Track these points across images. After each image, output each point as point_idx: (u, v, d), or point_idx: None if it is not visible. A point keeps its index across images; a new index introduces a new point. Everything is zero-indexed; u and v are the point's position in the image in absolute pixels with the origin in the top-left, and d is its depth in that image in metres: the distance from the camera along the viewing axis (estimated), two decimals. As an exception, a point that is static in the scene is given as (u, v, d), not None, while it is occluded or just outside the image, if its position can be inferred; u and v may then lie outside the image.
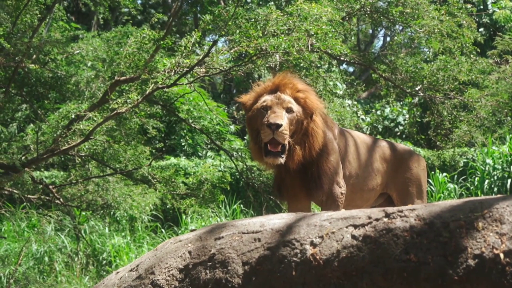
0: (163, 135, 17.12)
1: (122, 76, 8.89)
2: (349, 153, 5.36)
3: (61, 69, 10.55)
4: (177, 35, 23.19)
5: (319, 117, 4.89)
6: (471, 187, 14.37)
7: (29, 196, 9.93)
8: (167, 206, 12.89)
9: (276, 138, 4.54)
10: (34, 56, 9.59)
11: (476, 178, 14.40)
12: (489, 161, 14.43)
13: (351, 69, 30.34)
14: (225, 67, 8.08)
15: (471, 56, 9.20)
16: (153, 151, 13.13)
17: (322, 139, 4.86)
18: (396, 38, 12.06)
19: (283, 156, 4.64)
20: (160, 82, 8.09)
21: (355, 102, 21.22)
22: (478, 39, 9.46)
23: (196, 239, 3.32)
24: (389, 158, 5.73)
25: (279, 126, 4.50)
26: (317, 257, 2.81)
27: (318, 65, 10.06)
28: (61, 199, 9.84)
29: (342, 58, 9.43)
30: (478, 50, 9.43)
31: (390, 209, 2.82)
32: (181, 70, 8.06)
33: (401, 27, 11.88)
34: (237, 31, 7.82)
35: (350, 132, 5.66)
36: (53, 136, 9.00)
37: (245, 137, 19.28)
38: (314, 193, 4.95)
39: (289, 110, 4.66)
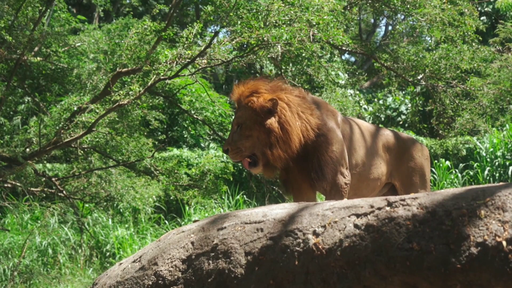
0: (165, 126, 17.10)
1: (124, 68, 8.89)
2: (354, 141, 5.31)
3: (63, 62, 10.55)
4: (179, 26, 23.13)
5: (286, 109, 4.76)
6: (471, 173, 14.40)
7: (32, 188, 9.96)
8: (170, 198, 12.91)
9: (234, 160, 4.88)
10: (36, 48, 9.59)
11: (476, 165, 14.42)
12: (484, 147, 14.45)
13: (353, 59, 30.29)
14: (226, 58, 8.07)
15: (473, 44, 9.18)
16: (156, 142, 13.16)
17: (300, 129, 4.78)
18: (398, 27, 12.02)
19: (257, 165, 4.84)
20: (161, 74, 8.09)
21: (357, 92, 21.23)
22: (480, 28, 9.43)
23: (199, 229, 3.32)
24: (393, 146, 5.69)
25: (227, 152, 4.82)
26: (320, 247, 2.80)
27: (320, 55, 10.04)
28: (64, 192, 9.86)
29: (344, 48, 9.41)
30: (480, 38, 9.41)
31: (392, 198, 2.81)
32: (183, 61, 8.05)
33: (403, 16, 11.86)
34: (239, 22, 7.81)
35: (353, 120, 5.61)
36: (55, 128, 9.00)
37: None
38: (317, 184, 4.91)
39: (240, 125, 4.81)
